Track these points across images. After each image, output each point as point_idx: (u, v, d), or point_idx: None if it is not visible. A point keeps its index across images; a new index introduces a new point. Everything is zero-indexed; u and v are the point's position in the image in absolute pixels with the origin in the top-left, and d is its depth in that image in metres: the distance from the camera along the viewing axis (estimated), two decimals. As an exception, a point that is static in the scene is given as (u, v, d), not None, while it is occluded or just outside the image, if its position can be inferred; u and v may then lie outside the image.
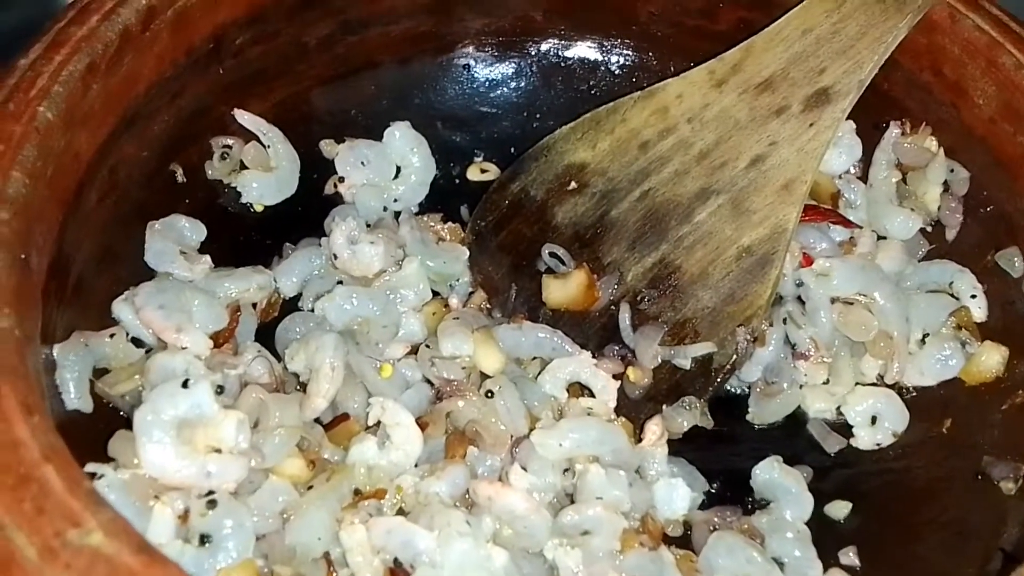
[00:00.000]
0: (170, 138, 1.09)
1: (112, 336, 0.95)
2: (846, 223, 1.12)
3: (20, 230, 0.79)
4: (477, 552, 0.85)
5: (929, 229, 1.14)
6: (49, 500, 0.58)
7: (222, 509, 0.83)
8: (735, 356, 1.02)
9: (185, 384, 0.86)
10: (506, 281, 1.15)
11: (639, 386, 1.05)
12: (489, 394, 0.98)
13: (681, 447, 1.01)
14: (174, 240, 1.07)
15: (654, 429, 0.99)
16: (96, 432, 0.88)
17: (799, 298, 1.07)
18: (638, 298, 1.08)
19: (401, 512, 0.91)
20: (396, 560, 0.85)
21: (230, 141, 1.17)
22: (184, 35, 1.04)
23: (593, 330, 1.09)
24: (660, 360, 1.04)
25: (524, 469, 0.93)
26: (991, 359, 1.02)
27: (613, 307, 1.08)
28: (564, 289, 1.10)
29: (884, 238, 1.13)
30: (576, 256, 1.12)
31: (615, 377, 1.04)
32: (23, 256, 0.79)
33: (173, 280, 1.03)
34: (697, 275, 1.06)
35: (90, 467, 0.81)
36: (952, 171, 1.11)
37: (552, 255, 1.13)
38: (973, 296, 1.06)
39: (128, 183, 1.04)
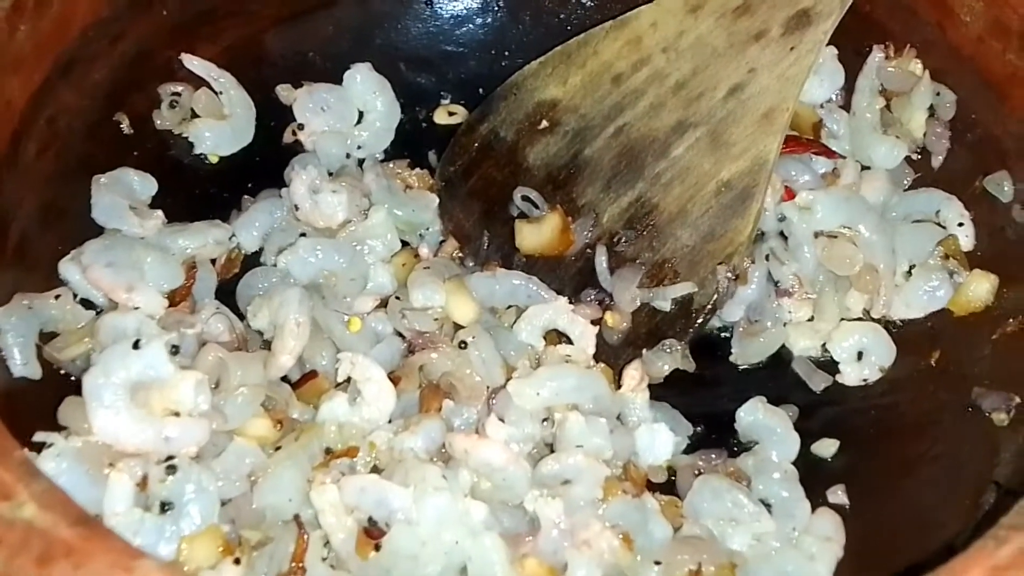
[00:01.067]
0: (113, 85, 1.04)
1: (58, 297, 0.90)
2: (829, 153, 1.09)
3: (-56, 184, 0.74)
4: (455, 507, 0.82)
5: (915, 157, 1.10)
6: (-23, 472, 0.54)
7: (182, 474, 0.79)
8: (716, 296, 0.99)
9: (137, 345, 0.81)
10: (478, 228, 1.10)
11: (618, 331, 1.01)
12: (463, 345, 0.94)
13: (663, 392, 0.98)
14: (123, 195, 1.01)
15: (633, 374, 0.96)
16: (47, 399, 0.84)
17: (781, 233, 1.04)
18: (615, 240, 1.04)
19: (375, 470, 0.88)
20: (371, 519, 0.82)
21: (179, 88, 1.11)
22: (119, -29, 0.98)
23: (569, 275, 1.05)
24: (639, 303, 1.01)
25: (501, 420, 0.89)
26: (980, 288, 0.99)
27: (589, 250, 1.04)
28: (538, 234, 1.06)
29: (868, 168, 1.10)
30: (549, 199, 1.07)
31: (593, 323, 1.00)
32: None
33: (123, 236, 0.98)
34: (675, 213, 1.02)
35: (39, 436, 0.77)
36: (938, 95, 1.07)
37: (524, 199, 1.08)
38: (960, 224, 1.03)
39: (70, 134, 0.99)
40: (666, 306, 1.00)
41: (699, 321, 0.99)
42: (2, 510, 0.51)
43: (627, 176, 1.05)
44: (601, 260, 1.02)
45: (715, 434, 0.97)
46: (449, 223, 1.11)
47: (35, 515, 0.51)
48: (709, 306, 0.99)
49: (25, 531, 0.50)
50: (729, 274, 0.98)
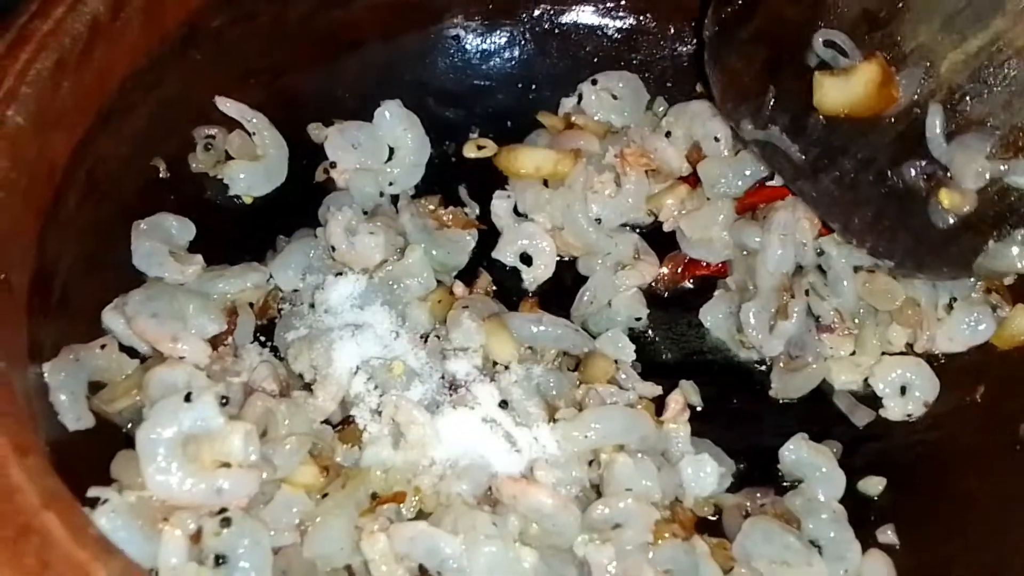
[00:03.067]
0: (149, 132, 1.04)
1: (103, 347, 0.90)
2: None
3: (-4, 251, 0.74)
4: (506, 554, 0.82)
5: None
6: (54, 552, 0.54)
7: (236, 527, 0.79)
8: None
9: (188, 398, 0.81)
10: (761, 81, 0.90)
11: (955, 213, 0.83)
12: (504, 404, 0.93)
13: (703, 427, 0.97)
14: (162, 240, 1.01)
15: (677, 399, 0.96)
16: (97, 447, 0.84)
17: (820, 268, 1.03)
18: (955, 96, 0.82)
19: (421, 514, 0.87)
20: (421, 566, 0.82)
21: (213, 131, 1.11)
22: (157, 21, 0.99)
23: (885, 141, 0.86)
24: (987, 178, 0.82)
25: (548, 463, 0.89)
26: (1023, 322, 0.98)
27: (917, 110, 0.83)
28: (845, 89, 0.85)
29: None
30: (864, 43, 0.85)
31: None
32: (2, 277, 0.73)
33: (164, 284, 0.98)
34: None
35: (93, 491, 0.77)
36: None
37: (828, 44, 0.87)
38: (1002, 258, 1.02)
39: (108, 183, 0.99)
40: None
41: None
42: (81, 590, 0.51)
43: (979, 8, 0.80)
44: (935, 122, 0.82)
45: (757, 470, 0.96)
46: (721, 76, 0.92)
47: (113, 595, 0.51)
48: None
49: (104, 612, 0.50)
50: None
